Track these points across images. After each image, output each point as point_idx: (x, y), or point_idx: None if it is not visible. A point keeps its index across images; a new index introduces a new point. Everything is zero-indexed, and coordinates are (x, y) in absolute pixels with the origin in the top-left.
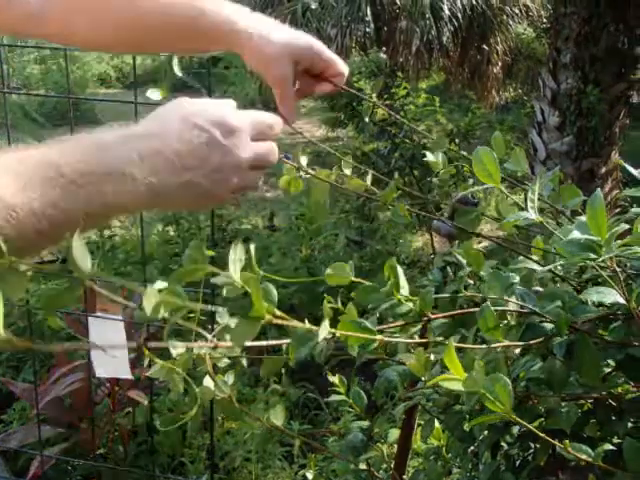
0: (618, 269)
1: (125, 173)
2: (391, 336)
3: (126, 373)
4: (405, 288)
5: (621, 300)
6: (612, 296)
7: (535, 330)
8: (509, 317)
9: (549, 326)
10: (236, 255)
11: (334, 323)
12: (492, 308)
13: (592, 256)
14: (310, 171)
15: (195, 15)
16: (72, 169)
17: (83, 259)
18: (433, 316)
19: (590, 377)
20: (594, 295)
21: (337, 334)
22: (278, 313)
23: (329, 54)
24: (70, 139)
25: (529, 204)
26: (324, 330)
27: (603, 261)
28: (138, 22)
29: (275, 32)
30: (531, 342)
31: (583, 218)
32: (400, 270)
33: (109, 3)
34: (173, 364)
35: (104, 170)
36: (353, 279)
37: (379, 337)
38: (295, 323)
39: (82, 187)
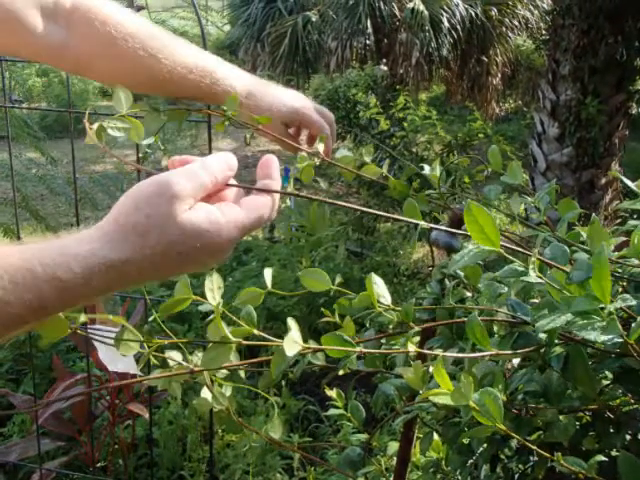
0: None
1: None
2: (389, 349)
3: (135, 369)
4: (386, 298)
5: (618, 338)
6: (610, 335)
7: (527, 339)
8: (496, 327)
9: (542, 336)
10: (213, 285)
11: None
12: (479, 318)
13: (598, 321)
14: (298, 193)
15: (207, 83)
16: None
17: None
18: (416, 327)
19: (585, 386)
20: (592, 333)
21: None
22: (256, 333)
23: (314, 118)
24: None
25: (530, 267)
26: (292, 345)
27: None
28: (155, 79)
29: (266, 97)
30: (522, 351)
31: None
32: (380, 282)
33: (127, 54)
34: (172, 373)
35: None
36: (333, 287)
37: (358, 349)
38: (272, 342)
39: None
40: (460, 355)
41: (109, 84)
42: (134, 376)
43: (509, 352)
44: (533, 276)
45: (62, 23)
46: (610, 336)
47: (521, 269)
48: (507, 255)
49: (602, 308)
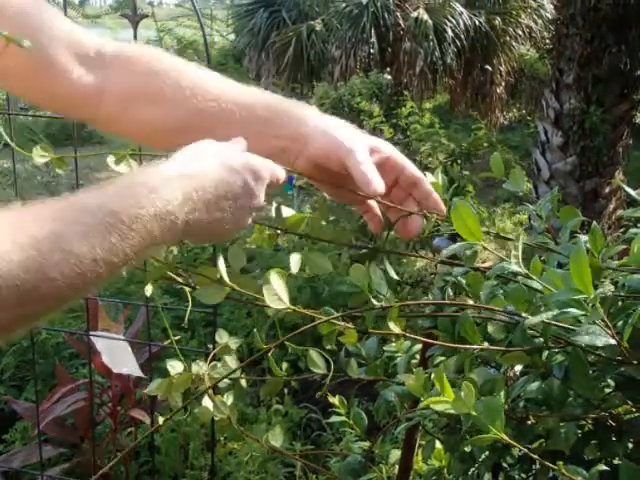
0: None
1: (169, 212)
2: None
3: (138, 372)
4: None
5: (612, 341)
6: (603, 338)
7: (522, 340)
8: (491, 328)
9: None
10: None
11: (336, 342)
12: (471, 316)
13: (580, 312)
14: (279, 230)
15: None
16: (128, 215)
17: None
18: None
19: (585, 390)
20: (585, 337)
21: None
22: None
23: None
24: (122, 182)
25: (513, 258)
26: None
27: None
28: (201, 119)
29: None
30: (514, 349)
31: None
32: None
33: (165, 93)
34: (173, 382)
35: (154, 212)
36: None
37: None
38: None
39: (136, 231)
40: (453, 345)
41: (145, 135)
42: (137, 381)
43: (501, 348)
44: (514, 266)
45: (101, 71)
46: (604, 339)
47: (509, 266)
48: (489, 249)
49: (585, 300)
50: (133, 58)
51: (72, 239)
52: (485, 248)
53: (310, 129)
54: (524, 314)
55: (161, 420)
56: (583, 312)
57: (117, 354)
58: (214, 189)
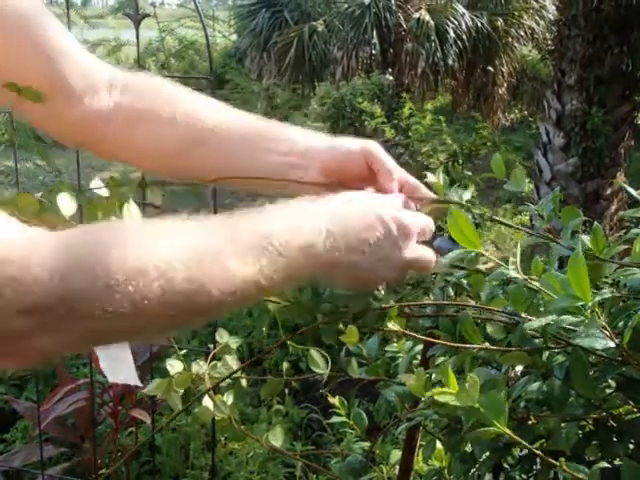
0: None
1: (313, 244)
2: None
3: (136, 381)
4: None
5: (611, 344)
6: (602, 341)
7: (522, 341)
8: (490, 328)
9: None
10: None
11: (337, 344)
12: (471, 316)
13: (579, 319)
14: None
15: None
16: (279, 241)
17: None
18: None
19: (585, 390)
20: (585, 340)
21: None
22: None
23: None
24: (273, 209)
25: (511, 265)
26: None
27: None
28: (208, 145)
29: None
30: (515, 349)
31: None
32: None
33: (176, 118)
34: (172, 382)
35: (297, 244)
36: None
37: None
38: None
39: (283, 257)
40: (455, 344)
41: (150, 158)
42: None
43: (501, 348)
44: (513, 272)
45: (112, 98)
46: (604, 342)
47: (508, 272)
48: (487, 255)
49: (583, 306)
50: (142, 85)
51: (230, 256)
52: (483, 254)
53: (315, 145)
54: (524, 314)
55: (164, 421)
56: (582, 319)
57: (115, 361)
58: (357, 232)
